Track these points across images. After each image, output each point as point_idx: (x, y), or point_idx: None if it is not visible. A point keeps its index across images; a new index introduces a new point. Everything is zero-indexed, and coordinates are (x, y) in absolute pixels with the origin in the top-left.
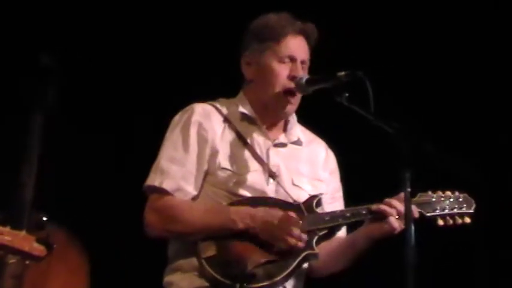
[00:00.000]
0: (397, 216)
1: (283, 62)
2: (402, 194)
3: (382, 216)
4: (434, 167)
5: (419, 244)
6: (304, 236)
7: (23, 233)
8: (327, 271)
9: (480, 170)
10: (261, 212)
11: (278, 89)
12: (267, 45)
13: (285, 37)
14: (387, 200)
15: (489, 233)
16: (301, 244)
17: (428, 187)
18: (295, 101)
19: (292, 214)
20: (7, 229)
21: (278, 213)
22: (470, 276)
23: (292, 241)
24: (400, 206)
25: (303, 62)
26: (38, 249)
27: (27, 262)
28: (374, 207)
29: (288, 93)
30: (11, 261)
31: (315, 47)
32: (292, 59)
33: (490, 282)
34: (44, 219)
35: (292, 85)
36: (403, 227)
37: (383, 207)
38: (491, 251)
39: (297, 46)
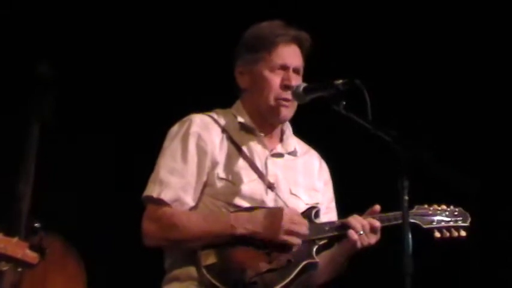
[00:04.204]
0: (361, 232)
1: (275, 71)
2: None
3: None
4: (432, 176)
5: (416, 253)
6: (306, 221)
7: (15, 239)
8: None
9: (478, 180)
10: (260, 214)
11: (271, 97)
12: (259, 55)
13: (277, 46)
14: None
15: (485, 243)
16: (305, 229)
17: (425, 196)
18: (290, 104)
19: (289, 209)
20: None
21: (276, 210)
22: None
23: (297, 227)
24: (362, 221)
25: (295, 70)
26: (30, 256)
27: (19, 269)
28: (344, 220)
29: (281, 100)
30: (4, 268)
31: (311, 54)
32: (284, 68)
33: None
34: (37, 225)
35: (284, 94)
36: (370, 241)
37: (349, 220)
38: (486, 260)
39: (288, 54)
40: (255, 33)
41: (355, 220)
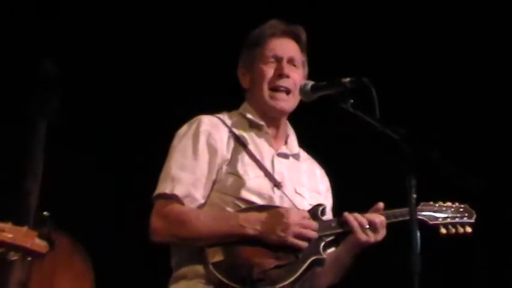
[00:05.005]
0: (367, 226)
1: (269, 63)
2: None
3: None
4: (439, 174)
5: (424, 251)
6: (315, 224)
7: (25, 228)
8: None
9: (484, 178)
10: (269, 215)
11: (265, 88)
12: (255, 52)
13: (268, 40)
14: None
15: (490, 242)
16: (313, 233)
17: (432, 193)
18: (288, 97)
19: (298, 211)
20: (9, 225)
21: (285, 212)
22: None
23: (306, 232)
24: (359, 218)
25: (290, 60)
26: (39, 245)
27: (29, 259)
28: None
29: (274, 90)
30: (13, 258)
31: (319, 53)
32: (277, 59)
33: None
34: (45, 213)
35: (278, 82)
36: (376, 238)
37: (347, 217)
38: (491, 259)
39: (280, 45)
40: (252, 34)
41: (352, 217)
